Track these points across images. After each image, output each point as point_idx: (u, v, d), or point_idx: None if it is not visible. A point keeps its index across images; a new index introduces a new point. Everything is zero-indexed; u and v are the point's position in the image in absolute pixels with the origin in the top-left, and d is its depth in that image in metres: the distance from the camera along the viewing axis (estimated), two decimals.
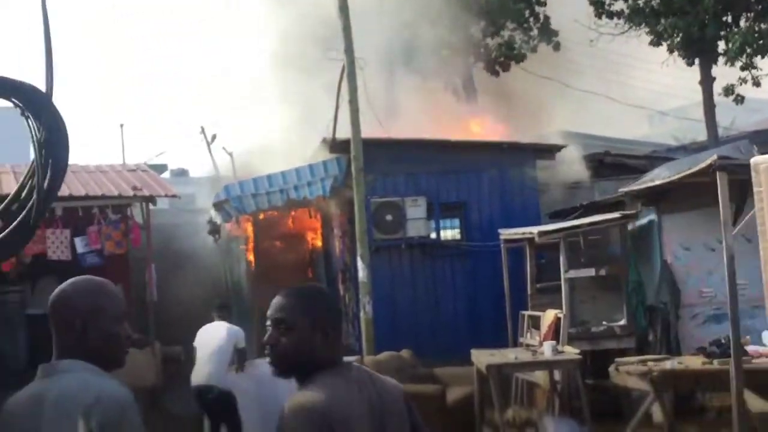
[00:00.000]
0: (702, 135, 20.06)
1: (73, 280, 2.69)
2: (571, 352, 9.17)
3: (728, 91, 18.38)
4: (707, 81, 19.07)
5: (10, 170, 14.67)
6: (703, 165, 8.23)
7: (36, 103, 3.46)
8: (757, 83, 18.05)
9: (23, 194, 3.59)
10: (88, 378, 2.49)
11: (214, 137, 25.82)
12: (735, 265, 7.15)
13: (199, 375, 9.40)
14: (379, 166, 12.90)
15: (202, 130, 26.43)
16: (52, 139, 3.47)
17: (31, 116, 3.45)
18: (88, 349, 2.57)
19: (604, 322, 10.92)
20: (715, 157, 8.02)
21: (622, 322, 10.78)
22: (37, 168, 3.50)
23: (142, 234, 13.69)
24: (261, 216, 14.17)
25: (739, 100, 18.12)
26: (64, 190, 13.14)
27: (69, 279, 2.69)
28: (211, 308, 10.26)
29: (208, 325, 9.77)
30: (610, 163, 15.38)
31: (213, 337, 9.53)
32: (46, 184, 3.50)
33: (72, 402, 2.41)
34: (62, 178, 3.62)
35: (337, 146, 12.98)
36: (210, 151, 25.57)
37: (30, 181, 3.60)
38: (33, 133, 3.45)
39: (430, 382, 10.50)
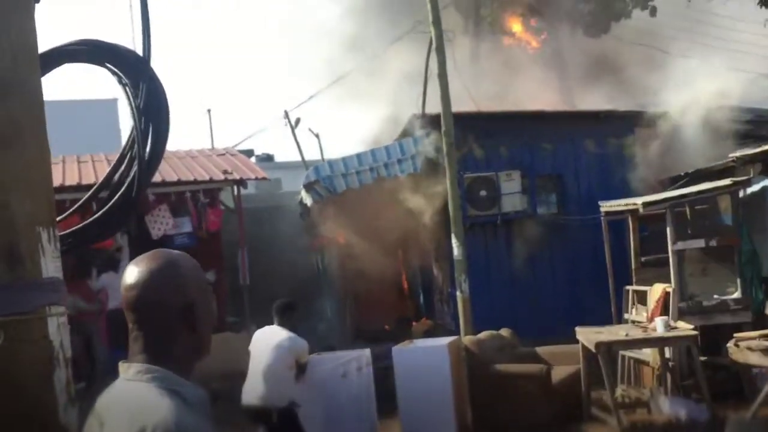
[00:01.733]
0: None
1: (160, 256, 2.10)
2: (685, 327, 8.67)
3: None
4: None
5: (104, 159, 14.86)
6: None
7: (133, 69, 3.19)
8: None
9: (122, 166, 3.34)
10: (155, 397, 1.93)
11: (298, 121, 25.77)
12: None
13: (253, 393, 7.69)
14: (471, 140, 12.55)
15: (286, 115, 26.42)
16: (152, 104, 3.19)
17: (128, 83, 3.19)
18: (187, 344, 2.05)
19: (715, 296, 10.33)
20: None
21: (736, 295, 10.17)
22: (137, 136, 3.24)
23: (224, 216, 13.71)
24: (352, 196, 13.96)
25: None
26: (156, 177, 13.24)
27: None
28: (274, 307, 8.07)
29: (266, 329, 7.87)
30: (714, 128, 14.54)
31: (269, 347, 7.65)
32: (147, 153, 3.22)
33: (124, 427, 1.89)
34: (164, 146, 3.34)
35: (428, 121, 12.66)
36: (294, 136, 25.56)
37: (130, 152, 3.34)
38: (131, 99, 3.18)
39: (533, 362, 10.14)
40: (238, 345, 13.21)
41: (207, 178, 13.31)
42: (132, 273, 2.04)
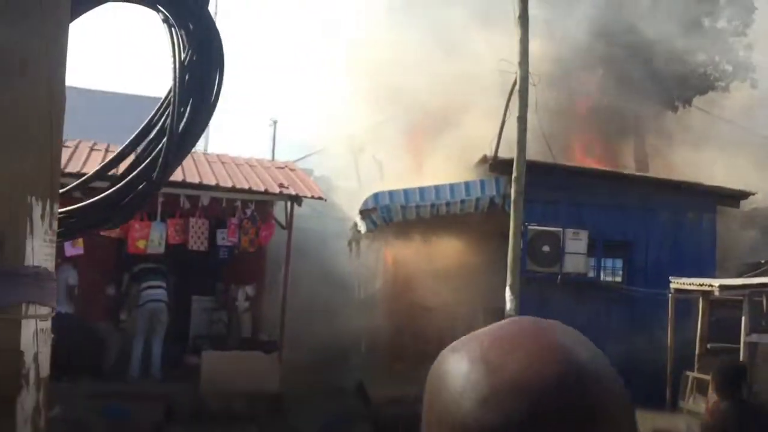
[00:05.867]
0: None
1: None
2: None
3: None
4: None
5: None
6: None
7: (183, 8, 2.51)
8: None
9: (153, 133, 2.62)
10: None
11: (361, 150, 25.27)
12: None
13: None
14: (539, 192, 11.87)
15: (350, 140, 25.96)
16: (202, 56, 2.46)
17: (175, 25, 2.49)
18: None
19: None
20: None
21: None
22: (173, 97, 2.48)
23: (275, 232, 13.21)
24: (406, 229, 13.37)
25: None
26: (211, 179, 12.82)
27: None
28: None
29: None
30: None
31: None
32: (183, 123, 2.54)
33: None
34: (208, 118, 2.62)
35: (498, 165, 12.05)
36: (356, 162, 25.06)
37: (161, 120, 2.59)
38: (174, 48, 2.48)
39: None
40: (266, 366, 12.68)
41: (262, 189, 12.84)
42: None
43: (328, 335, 17.62)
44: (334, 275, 17.81)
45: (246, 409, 12.11)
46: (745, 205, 12.78)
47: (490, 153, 12.23)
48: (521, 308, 11.07)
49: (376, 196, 12.21)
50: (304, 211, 17.43)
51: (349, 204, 17.20)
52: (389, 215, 12.13)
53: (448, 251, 14.62)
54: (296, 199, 12.98)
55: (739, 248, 12.65)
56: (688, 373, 10.26)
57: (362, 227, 12.40)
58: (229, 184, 12.71)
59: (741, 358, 9.13)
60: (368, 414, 12.13)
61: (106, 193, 2.45)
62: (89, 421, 11.01)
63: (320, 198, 13.08)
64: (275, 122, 26.38)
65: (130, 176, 2.46)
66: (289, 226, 13.04)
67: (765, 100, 17.46)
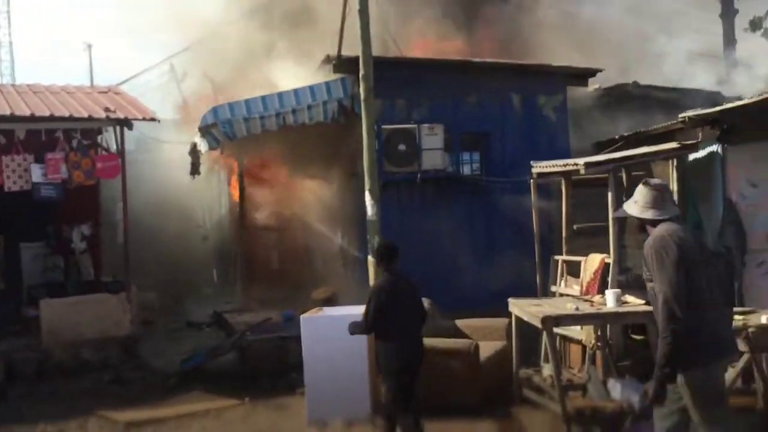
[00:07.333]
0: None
1: None
2: (637, 302, 7.70)
3: (755, 25, 16.92)
4: (730, 14, 17.73)
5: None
6: None
7: None
8: None
9: None
10: None
11: (185, 75, 23.67)
12: None
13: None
14: (389, 89, 11.26)
15: (172, 68, 24.21)
16: None
17: None
18: None
19: None
20: None
21: None
22: None
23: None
24: (251, 145, 12.49)
25: None
26: (24, 110, 11.39)
27: None
28: None
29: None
30: (638, 95, 13.80)
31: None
32: None
33: None
34: None
35: (343, 65, 11.32)
36: (180, 89, 23.48)
37: None
38: None
39: (454, 336, 9.04)
40: (113, 308, 11.63)
41: (85, 115, 11.52)
42: None
43: (177, 268, 16.69)
44: (175, 204, 16.78)
45: (96, 356, 11.16)
46: (591, 84, 12.73)
47: (333, 53, 11.46)
48: (382, 212, 10.56)
49: (214, 110, 11.21)
50: (133, 142, 16.16)
51: (182, 128, 16.06)
52: (232, 130, 11.18)
53: (299, 166, 13.86)
54: (126, 123, 11.76)
55: (591, 128, 12.59)
56: (557, 257, 10.13)
57: (203, 146, 11.40)
58: (47, 113, 11.33)
59: (610, 234, 9.02)
60: (231, 343, 11.41)
61: None
62: None
63: (153, 119, 11.91)
64: (90, 46, 24.31)
65: None
66: (121, 153, 11.85)
67: None
